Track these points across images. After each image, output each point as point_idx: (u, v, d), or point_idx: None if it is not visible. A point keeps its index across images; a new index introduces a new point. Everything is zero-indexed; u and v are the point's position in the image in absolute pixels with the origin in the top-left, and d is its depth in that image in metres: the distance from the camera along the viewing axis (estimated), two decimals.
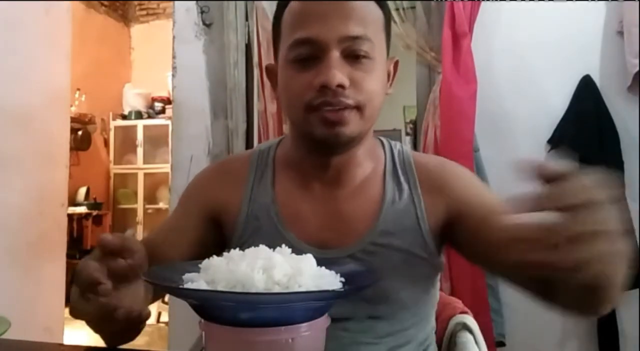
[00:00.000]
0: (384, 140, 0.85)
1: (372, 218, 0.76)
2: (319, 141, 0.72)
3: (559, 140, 2.04)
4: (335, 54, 0.68)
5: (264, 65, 2.31)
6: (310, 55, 0.70)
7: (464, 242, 0.75)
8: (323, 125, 0.70)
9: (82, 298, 0.54)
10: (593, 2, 2.05)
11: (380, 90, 0.74)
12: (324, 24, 0.69)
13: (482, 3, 2.05)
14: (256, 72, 2.41)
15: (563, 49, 2.07)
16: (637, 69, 1.90)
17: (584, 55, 2.05)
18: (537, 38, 2.10)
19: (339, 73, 0.67)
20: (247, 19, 2.40)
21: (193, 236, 0.82)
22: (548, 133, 2.06)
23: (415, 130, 2.36)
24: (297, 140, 0.81)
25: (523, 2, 2.11)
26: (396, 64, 0.81)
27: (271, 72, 0.82)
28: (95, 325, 0.57)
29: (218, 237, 0.83)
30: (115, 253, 0.54)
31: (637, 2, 1.90)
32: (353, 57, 0.70)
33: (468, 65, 2.00)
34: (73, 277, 0.55)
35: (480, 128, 2.01)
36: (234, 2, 2.38)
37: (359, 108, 0.70)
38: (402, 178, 0.78)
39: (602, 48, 2.05)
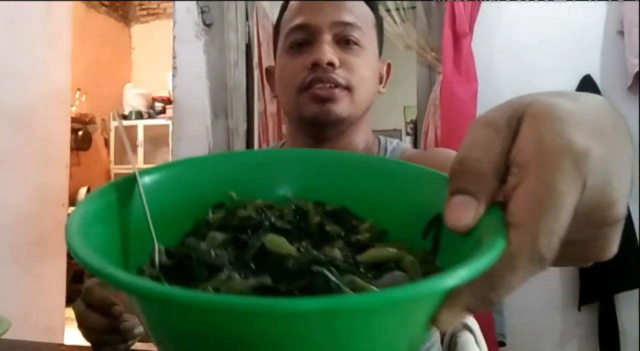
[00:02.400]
0: (382, 138, 0.85)
1: None
2: (310, 120, 0.74)
3: None
4: (327, 37, 0.73)
5: (264, 65, 2.32)
6: (304, 40, 0.74)
7: None
8: (314, 103, 0.72)
9: (88, 311, 0.58)
10: (593, 2, 2.05)
11: (370, 79, 0.77)
12: (317, 11, 0.74)
13: (483, 3, 2.05)
14: (256, 72, 2.41)
15: (563, 49, 2.07)
16: (638, 68, 1.90)
17: (584, 55, 2.05)
18: (537, 38, 2.10)
19: (329, 51, 0.71)
20: (247, 19, 2.40)
21: None
22: None
23: (415, 130, 2.36)
24: (293, 134, 0.82)
25: (523, 2, 2.10)
26: (389, 66, 0.84)
27: (271, 73, 0.84)
28: (96, 336, 0.60)
29: None
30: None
31: (637, 2, 1.90)
32: (344, 42, 0.74)
33: (469, 65, 2.00)
34: (82, 293, 0.58)
35: None
36: (234, 2, 2.38)
37: (349, 89, 0.72)
38: None
39: (602, 48, 2.05)
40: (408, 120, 4.93)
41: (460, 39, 2.00)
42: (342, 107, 0.72)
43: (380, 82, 0.82)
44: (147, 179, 0.32)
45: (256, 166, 0.38)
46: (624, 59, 1.97)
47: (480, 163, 0.25)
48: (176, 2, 2.56)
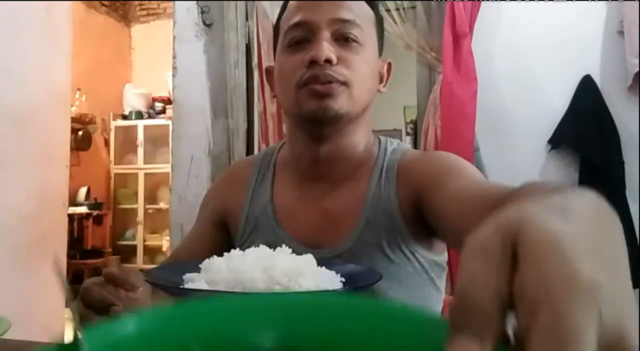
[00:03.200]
0: (382, 138, 0.85)
1: (356, 217, 0.76)
2: (308, 117, 0.73)
3: (559, 140, 2.04)
4: (326, 34, 0.72)
5: (264, 64, 2.31)
6: (302, 37, 0.74)
7: (433, 220, 0.70)
8: (312, 99, 0.72)
9: (86, 311, 0.56)
10: (593, 2, 2.05)
11: (369, 76, 0.77)
12: (316, 9, 0.74)
13: (483, 3, 2.05)
14: (256, 72, 2.41)
15: (563, 49, 2.07)
16: (637, 68, 1.90)
17: (584, 55, 2.05)
18: (537, 38, 2.10)
19: (327, 48, 0.71)
20: (247, 19, 2.40)
21: (210, 244, 0.84)
22: (548, 133, 2.06)
23: (415, 130, 2.36)
24: (292, 133, 0.81)
25: (523, 2, 2.10)
26: (389, 65, 0.84)
27: (271, 73, 0.84)
28: None
29: (230, 241, 0.85)
30: (118, 285, 0.57)
31: (637, 2, 1.90)
32: (343, 39, 0.73)
33: (469, 65, 2.00)
34: (80, 293, 0.57)
35: (481, 128, 2.01)
36: (234, 2, 2.38)
37: (347, 85, 0.72)
38: (384, 176, 0.78)
39: (602, 48, 2.05)
40: (408, 120, 4.93)
41: (460, 39, 2.00)
42: (340, 102, 0.72)
43: (381, 81, 0.82)
44: (95, 340, 0.28)
45: (228, 314, 0.34)
46: (624, 59, 1.97)
47: (481, 299, 0.23)
48: (176, 2, 2.56)
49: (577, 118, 2.01)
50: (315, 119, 0.73)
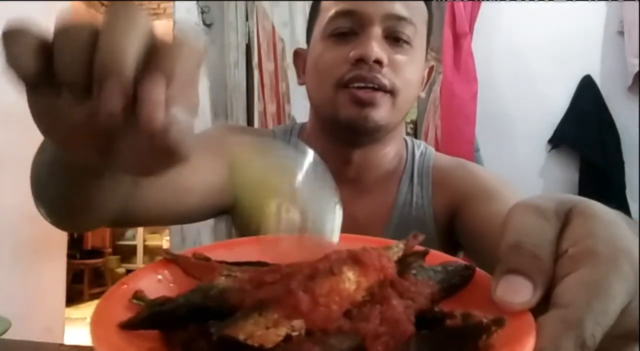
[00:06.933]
0: (408, 139, 0.79)
1: (383, 223, 0.72)
2: (344, 124, 0.65)
3: (559, 140, 2.04)
4: (377, 30, 0.63)
5: (264, 65, 2.31)
6: (350, 29, 0.64)
7: (465, 238, 0.67)
8: (352, 105, 0.63)
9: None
10: (593, 2, 2.05)
11: (416, 83, 0.69)
12: None
13: (483, 3, 2.05)
14: (256, 72, 2.41)
15: (563, 49, 2.07)
16: (637, 69, 1.90)
17: (585, 55, 2.05)
18: (537, 38, 2.10)
19: (377, 47, 0.62)
20: (247, 19, 2.40)
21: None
22: (548, 133, 2.06)
23: (415, 130, 2.36)
24: (319, 130, 0.73)
25: (523, 2, 2.11)
26: (431, 69, 0.79)
27: (300, 56, 0.76)
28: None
29: None
30: None
31: (637, 2, 1.90)
32: (394, 39, 0.65)
33: (469, 66, 2.00)
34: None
35: (481, 128, 2.01)
36: (234, 2, 2.38)
37: (392, 93, 0.64)
38: (416, 181, 0.74)
39: (602, 48, 2.05)
40: (408, 120, 4.93)
41: (460, 39, 2.00)
42: (381, 113, 0.63)
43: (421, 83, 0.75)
44: None
45: None
46: (624, 59, 1.97)
47: (537, 248, 0.25)
48: (176, 2, 2.56)
49: (577, 118, 2.01)
50: (351, 128, 0.65)
